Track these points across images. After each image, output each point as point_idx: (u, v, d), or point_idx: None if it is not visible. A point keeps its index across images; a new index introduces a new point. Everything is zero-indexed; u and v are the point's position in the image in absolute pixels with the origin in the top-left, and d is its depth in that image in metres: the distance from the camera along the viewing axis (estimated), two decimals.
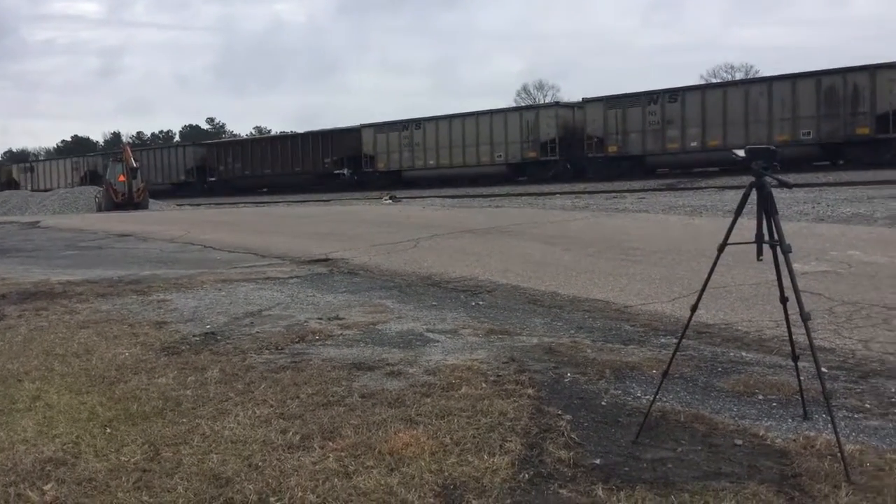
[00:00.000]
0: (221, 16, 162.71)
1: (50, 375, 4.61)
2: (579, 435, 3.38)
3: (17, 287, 8.40)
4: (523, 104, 62.64)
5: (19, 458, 3.36)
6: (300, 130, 52.19)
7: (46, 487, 3.05)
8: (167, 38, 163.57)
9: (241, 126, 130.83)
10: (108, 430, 3.65)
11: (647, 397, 3.74)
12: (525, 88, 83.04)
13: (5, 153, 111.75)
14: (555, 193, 27.07)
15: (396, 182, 39.46)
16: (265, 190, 47.21)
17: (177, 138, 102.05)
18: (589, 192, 26.57)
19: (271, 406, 3.90)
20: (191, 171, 49.95)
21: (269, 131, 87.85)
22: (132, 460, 3.28)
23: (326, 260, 10.32)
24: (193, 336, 5.64)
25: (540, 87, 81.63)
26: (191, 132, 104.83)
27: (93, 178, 54.20)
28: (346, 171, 42.91)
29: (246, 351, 5.11)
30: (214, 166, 49.13)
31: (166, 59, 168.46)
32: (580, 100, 36.84)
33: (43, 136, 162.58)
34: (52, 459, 3.32)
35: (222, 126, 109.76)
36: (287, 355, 4.99)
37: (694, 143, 31.55)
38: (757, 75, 52.75)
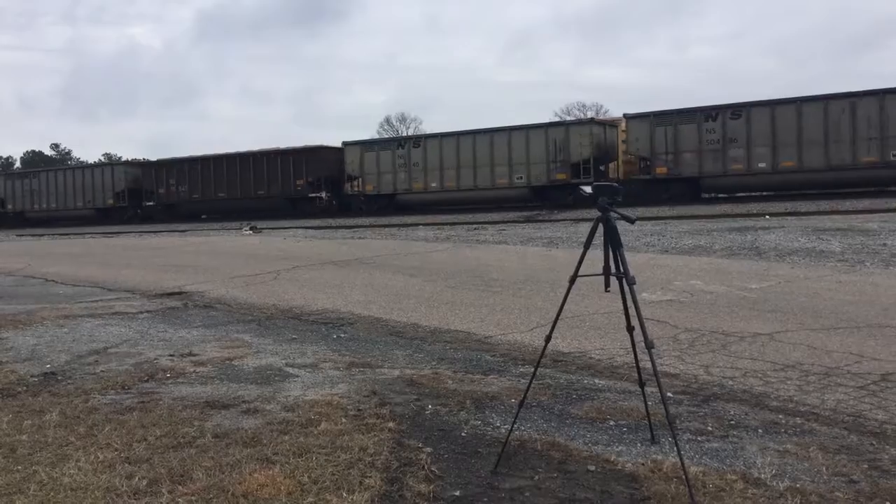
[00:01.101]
0: (70, 38, 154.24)
1: None
2: (439, 467, 3.38)
3: None
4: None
5: None
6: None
7: None
8: (8, 59, 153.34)
9: (89, 153, 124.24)
10: None
11: (507, 427, 3.80)
12: (388, 120, 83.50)
13: None
14: (417, 225, 27.31)
15: (388, 206, 35.41)
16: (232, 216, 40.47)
17: (17, 164, 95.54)
18: (450, 224, 26.98)
19: (116, 450, 3.67)
20: (121, 194, 43.53)
21: (120, 158, 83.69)
22: None
23: (180, 293, 9.92)
24: (31, 377, 5.24)
25: (403, 119, 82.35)
26: (33, 158, 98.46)
27: None
28: (323, 195, 38.05)
29: (89, 391, 4.79)
30: (152, 189, 42.92)
31: (6, 81, 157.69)
32: (621, 115, 33.47)
33: None
34: None
35: (68, 152, 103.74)
36: (134, 395, 4.72)
37: (762, 165, 28.83)
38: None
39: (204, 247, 19.43)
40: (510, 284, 9.58)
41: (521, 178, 33.43)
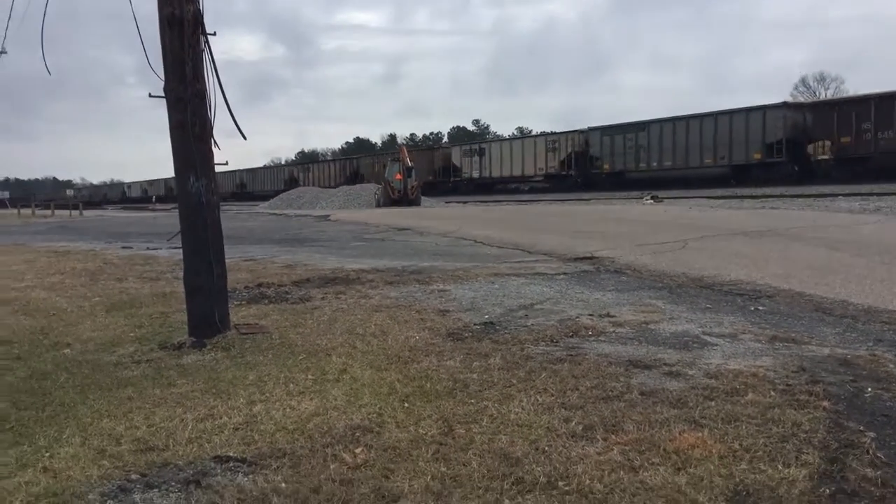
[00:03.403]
0: (496, 18, 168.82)
1: (353, 352, 5.13)
2: (886, 454, 3.12)
3: (318, 272, 9.44)
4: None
5: (333, 423, 3.77)
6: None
7: (357, 451, 3.40)
8: (444, 44, 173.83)
9: (503, 127, 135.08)
10: (406, 405, 3.99)
11: None
12: (804, 81, 76.45)
13: (298, 153, 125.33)
14: (837, 195, 24.73)
15: None
16: None
17: (445, 139, 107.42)
18: (877, 195, 23.92)
19: (552, 395, 4.03)
20: (776, 146, 33.85)
21: (531, 131, 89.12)
22: (429, 434, 3.55)
23: (591, 258, 10.36)
24: (474, 324, 5.96)
25: (821, 79, 74.73)
26: (458, 133, 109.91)
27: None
28: None
29: (523, 341, 5.31)
30: (829, 136, 32.22)
31: (442, 64, 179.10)
32: None
33: (333, 138, 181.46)
34: (360, 427, 3.68)
35: (487, 127, 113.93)
36: (562, 348, 5.11)
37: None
38: None
39: (608, 214, 19.97)
40: None
41: None
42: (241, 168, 79.88)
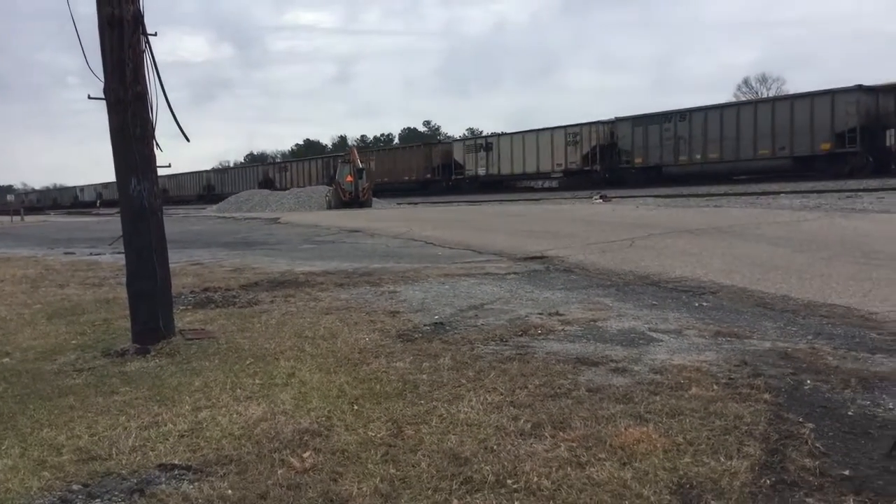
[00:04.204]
0: (448, 18, 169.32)
1: (302, 356, 5.08)
2: (824, 444, 3.21)
3: (266, 276, 9.34)
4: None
5: (280, 427, 3.73)
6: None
7: (305, 455, 3.37)
8: (396, 45, 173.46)
9: (455, 128, 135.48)
10: (356, 407, 3.97)
11: None
12: (746, 82, 78.44)
13: (247, 156, 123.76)
14: (779, 193, 25.38)
15: None
16: None
17: (396, 140, 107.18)
18: (818, 192, 24.63)
19: (501, 394, 4.05)
20: (845, 136, 30.88)
21: (481, 132, 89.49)
22: (378, 435, 3.54)
23: (542, 257, 10.45)
24: (424, 325, 5.96)
25: (763, 80, 76.80)
26: (409, 135, 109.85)
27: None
28: None
29: (473, 341, 5.33)
30: None
31: (394, 64, 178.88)
32: None
33: (283, 139, 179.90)
34: (309, 431, 3.65)
35: (438, 128, 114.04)
36: (512, 347, 5.14)
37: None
38: None
39: (559, 214, 20.16)
40: None
41: None
42: (209, 169, 76.20)
